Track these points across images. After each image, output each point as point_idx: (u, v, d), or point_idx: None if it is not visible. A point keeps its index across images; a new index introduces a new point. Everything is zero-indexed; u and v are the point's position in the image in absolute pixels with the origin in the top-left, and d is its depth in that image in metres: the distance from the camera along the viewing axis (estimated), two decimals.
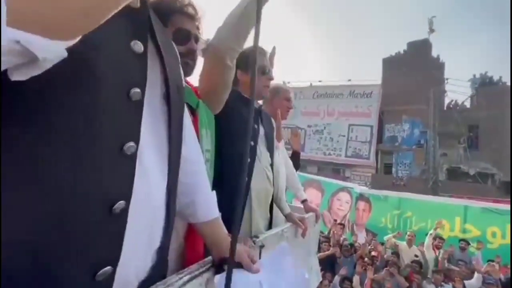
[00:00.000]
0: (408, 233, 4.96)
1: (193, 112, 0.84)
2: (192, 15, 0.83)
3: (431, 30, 16.81)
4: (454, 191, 11.08)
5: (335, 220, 6.59)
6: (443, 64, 17.28)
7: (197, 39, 0.86)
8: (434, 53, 17.15)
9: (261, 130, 1.24)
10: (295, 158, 2.05)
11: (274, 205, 1.35)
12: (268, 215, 1.27)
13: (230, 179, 1.12)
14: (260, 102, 1.40)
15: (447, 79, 15.06)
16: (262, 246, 0.87)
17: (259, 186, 1.16)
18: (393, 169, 15.50)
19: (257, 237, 0.91)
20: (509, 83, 13.90)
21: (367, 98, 16.63)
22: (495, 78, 16.10)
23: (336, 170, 16.92)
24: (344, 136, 16.96)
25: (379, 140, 16.31)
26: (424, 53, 16.69)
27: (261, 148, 1.21)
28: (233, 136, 1.14)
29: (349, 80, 17.56)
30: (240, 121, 1.19)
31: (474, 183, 12.76)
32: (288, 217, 1.35)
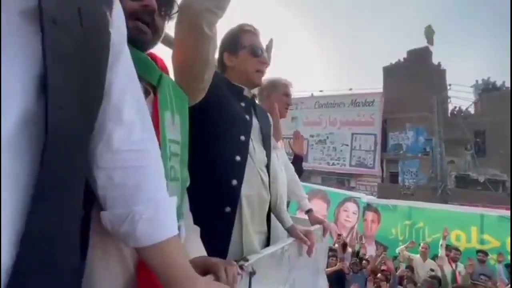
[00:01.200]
0: (421, 245, 4.61)
1: (153, 89, 0.62)
2: None
3: (430, 39, 16.76)
4: (464, 200, 10.66)
5: (339, 235, 6.17)
6: (444, 70, 17.18)
7: None
8: (434, 60, 17.10)
9: (255, 123, 1.01)
10: (298, 163, 1.81)
11: (273, 217, 1.10)
12: (265, 228, 1.03)
13: (216, 181, 0.89)
14: (254, 91, 1.18)
15: (449, 85, 14.90)
16: (253, 273, 0.62)
17: (251, 191, 0.92)
18: (399, 178, 15.11)
19: (246, 259, 0.67)
20: None
21: (369, 107, 16.49)
22: (498, 83, 15.90)
23: (340, 180, 16.56)
24: (347, 145, 16.71)
25: (384, 148, 16.02)
26: (425, 61, 16.62)
27: (255, 144, 0.98)
28: (220, 129, 0.92)
29: (350, 89, 17.52)
30: (229, 112, 0.97)
31: (484, 190, 12.32)
32: (290, 231, 1.10)
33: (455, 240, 5.26)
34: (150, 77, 0.61)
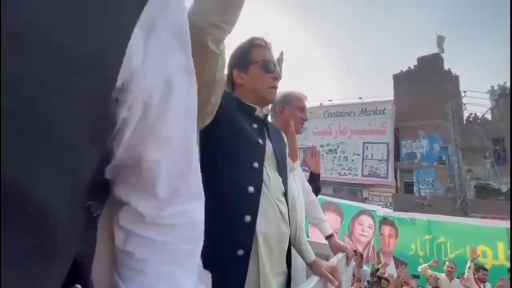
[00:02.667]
0: (446, 263, 4.29)
1: None
2: None
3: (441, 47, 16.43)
4: (486, 211, 10.14)
5: (355, 251, 5.85)
6: (457, 77, 16.82)
7: None
8: (446, 67, 16.77)
9: (269, 147, 0.90)
10: (315, 180, 1.68)
11: (292, 250, 0.97)
12: (285, 267, 0.89)
13: (226, 218, 0.77)
14: (265, 110, 1.07)
15: (464, 92, 14.47)
16: None
17: (269, 227, 0.79)
18: (415, 188, 14.59)
19: None
20: None
21: (380, 115, 16.20)
22: None
23: (352, 190, 16.13)
24: (359, 154, 16.36)
25: (397, 157, 15.59)
26: (436, 67, 16.34)
27: (269, 172, 0.86)
28: (230, 156, 0.81)
29: (360, 97, 17.28)
30: (241, 136, 0.86)
31: (507, 200, 11.69)
32: (313, 268, 0.96)
33: (481, 257, 4.89)
34: None
